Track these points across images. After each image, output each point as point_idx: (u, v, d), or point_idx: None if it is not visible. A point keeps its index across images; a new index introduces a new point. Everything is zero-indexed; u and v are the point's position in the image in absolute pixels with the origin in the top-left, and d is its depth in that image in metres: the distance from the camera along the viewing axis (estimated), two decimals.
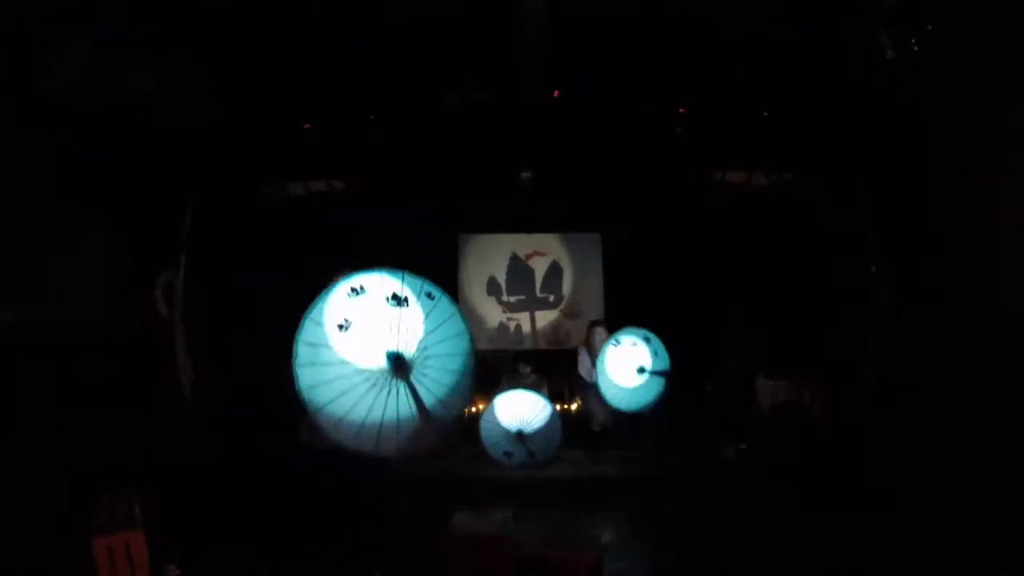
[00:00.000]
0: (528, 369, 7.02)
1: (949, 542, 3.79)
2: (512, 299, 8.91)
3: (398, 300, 3.25)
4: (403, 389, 3.24)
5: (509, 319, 8.87)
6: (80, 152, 4.76)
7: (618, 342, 6.16)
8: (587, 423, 7.16)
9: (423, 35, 5.15)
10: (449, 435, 3.49)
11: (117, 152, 5.02)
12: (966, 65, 4.48)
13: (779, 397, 6.31)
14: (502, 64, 5.58)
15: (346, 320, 3.20)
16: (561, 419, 6.29)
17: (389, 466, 5.81)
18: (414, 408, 3.28)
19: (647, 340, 6.18)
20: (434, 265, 3.41)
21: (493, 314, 8.86)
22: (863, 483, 4.69)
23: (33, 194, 4.43)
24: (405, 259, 3.55)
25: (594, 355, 6.63)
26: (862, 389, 5.91)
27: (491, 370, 7.41)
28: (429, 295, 3.32)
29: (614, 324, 6.79)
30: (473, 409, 7.34)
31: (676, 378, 6.20)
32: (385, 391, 3.21)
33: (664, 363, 6.19)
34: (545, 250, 8.97)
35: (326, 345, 3.21)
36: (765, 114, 6.34)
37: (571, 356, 7.30)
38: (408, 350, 3.25)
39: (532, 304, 8.91)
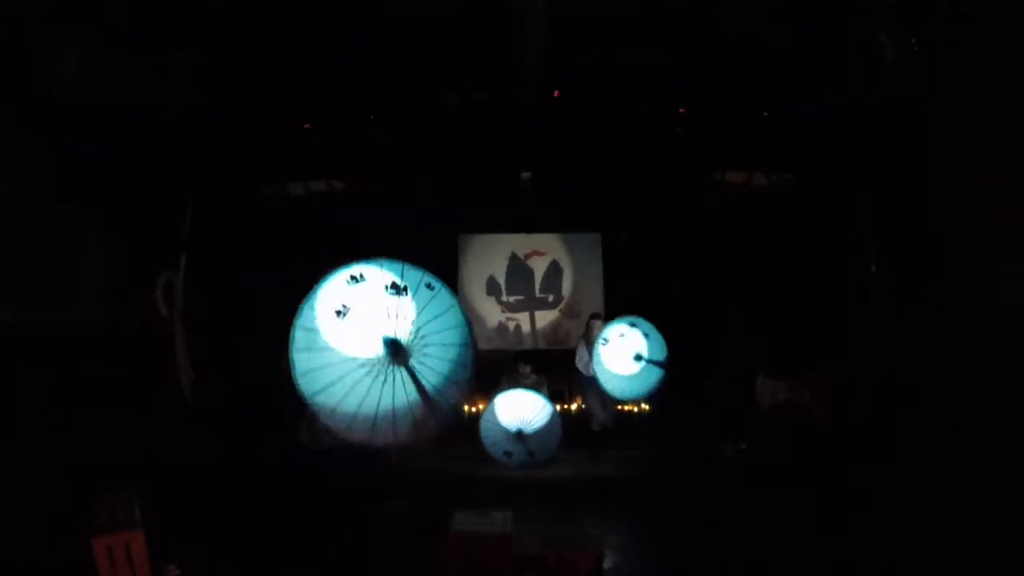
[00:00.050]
0: (528, 369, 7.02)
1: (949, 542, 3.79)
2: (512, 299, 8.91)
3: (397, 289, 3.27)
4: (399, 376, 3.24)
5: (509, 319, 8.87)
6: (80, 152, 4.76)
7: (606, 341, 6.15)
8: (587, 423, 7.16)
9: (423, 35, 5.15)
10: (445, 426, 3.47)
11: (117, 152, 5.02)
12: (966, 65, 4.48)
13: (779, 397, 6.30)
14: (502, 64, 5.58)
15: (344, 306, 3.22)
16: (561, 419, 6.29)
17: (389, 465, 5.84)
18: (411, 396, 3.28)
19: (633, 325, 6.18)
20: (434, 265, 3.40)
21: (493, 314, 8.86)
22: (863, 483, 4.69)
23: (33, 194, 4.44)
24: (405, 259, 3.55)
25: (592, 348, 6.63)
26: (862, 389, 5.91)
27: (491, 370, 7.42)
28: (429, 286, 3.33)
29: None
30: (473, 409, 7.35)
31: (675, 373, 6.19)
32: (381, 379, 3.22)
33: (658, 345, 6.16)
34: (545, 250, 8.97)
35: (322, 330, 3.22)
36: (765, 114, 6.34)
37: (571, 356, 7.30)
38: (403, 336, 3.26)
39: (532, 304, 8.91)
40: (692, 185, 7.96)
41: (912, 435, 4.88)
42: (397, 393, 3.25)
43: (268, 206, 7.59)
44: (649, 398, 6.42)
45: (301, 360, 3.15)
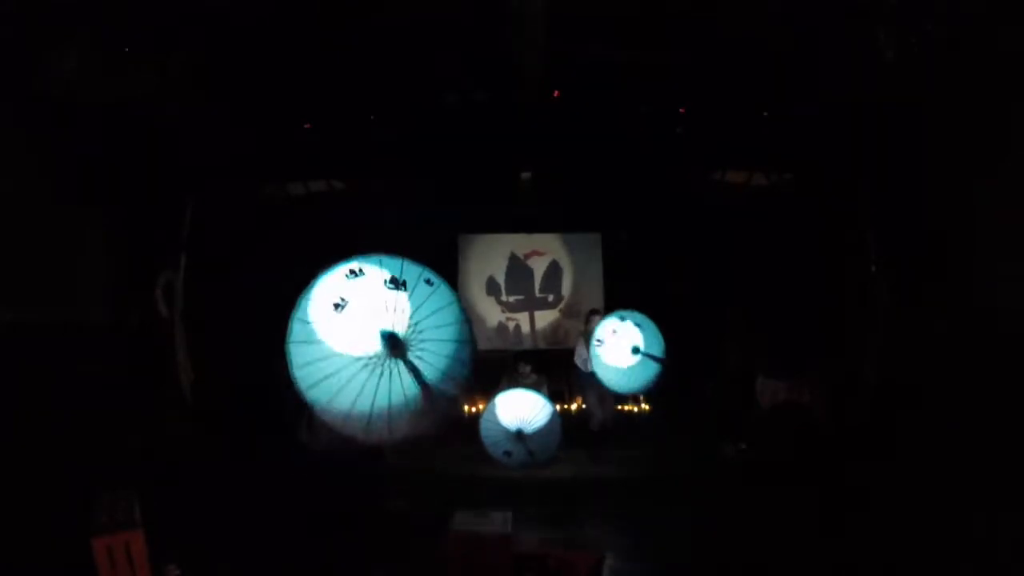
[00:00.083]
0: (528, 369, 7.03)
1: (949, 542, 3.79)
2: (511, 299, 8.91)
3: (396, 284, 3.27)
4: (396, 371, 3.23)
5: (508, 319, 8.87)
6: (80, 152, 4.76)
7: (601, 342, 6.15)
8: (587, 423, 7.16)
9: (423, 35, 5.15)
10: (442, 423, 3.46)
11: (117, 152, 5.02)
12: (966, 65, 4.48)
13: (779, 397, 6.30)
14: (502, 64, 5.58)
15: (342, 299, 3.21)
16: (561, 419, 6.29)
17: (388, 465, 5.84)
18: (408, 392, 3.26)
19: (622, 319, 6.19)
20: (434, 265, 3.40)
21: (492, 314, 8.87)
22: (863, 483, 4.69)
23: (33, 194, 4.44)
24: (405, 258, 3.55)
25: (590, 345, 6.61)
26: (862, 389, 5.91)
27: (491, 370, 7.42)
28: (428, 282, 3.33)
29: None
30: (473, 409, 7.36)
31: (675, 373, 6.18)
32: (377, 372, 3.21)
33: (652, 334, 6.15)
34: (544, 250, 8.97)
35: (320, 324, 3.22)
36: (765, 114, 6.34)
37: (571, 356, 7.30)
38: (401, 331, 3.26)
39: (531, 304, 8.91)
40: (692, 185, 7.96)
41: (912, 435, 4.88)
42: (394, 388, 3.24)
43: (268, 206, 7.58)
44: (648, 392, 6.40)
45: (298, 353, 3.15)
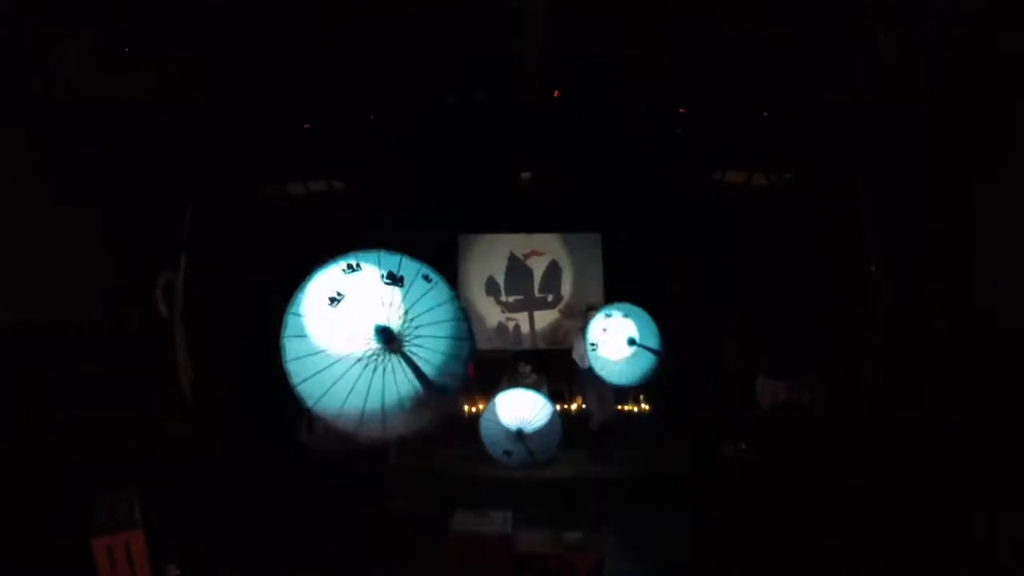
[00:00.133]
0: (528, 369, 7.03)
1: (949, 542, 3.79)
2: (511, 299, 8.91)
3: (393, 279, 3.27)
4: (391, 367, 3.22)
5: (508, 319, 8.87)
6: (80, 152, 4.76)
7: (595, 345, 6.15)
8: (587, 423, 7.16)
9: (423, 35, 5.15)
10: (437, 420, 3.45)
11: (117, 152, 5.02)
12: (966, 65, 4.48)
13: (779, 397, 6.30)
14: (502, 64, 5.58)
15: (339, 293, 3.21)
16: (561, 419, 6.29)
17: (388, 465, 5.84)
18: (402, 389, 3.24)
19: (608, 316, 6.20)
20: (434, 265, 3.40)
21: (492, 314, 8.86)
22: (863, 483, 4.69)
23: (33, 194, 4.44)
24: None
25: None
26: (862, 389, 5.91)
27: (491, 370, 7.42)
28: (426, 278, 3.33)
29: None
30: (473, 408, 7.36)
31: (674, 371, 6.18)
32: (370, 369, 3.20)
33: (643, 322, 6.15)
34: (543, 250, 8.96)
35: (315, 318, 3.21)
36: (765, 114, 6.34)
37: (571, 356, 7.30)
38: (396, 326, 3.25)
39: (531, 304, 8.91)
40: (692, 185, 7.96)
41: (912, 435, 4.88)
42: (387, 385, 3.22)
43: (268, 206, 7.58)
44: (648, 383, 6.38)
45: (291, 347, 3.14)
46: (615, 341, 6.15)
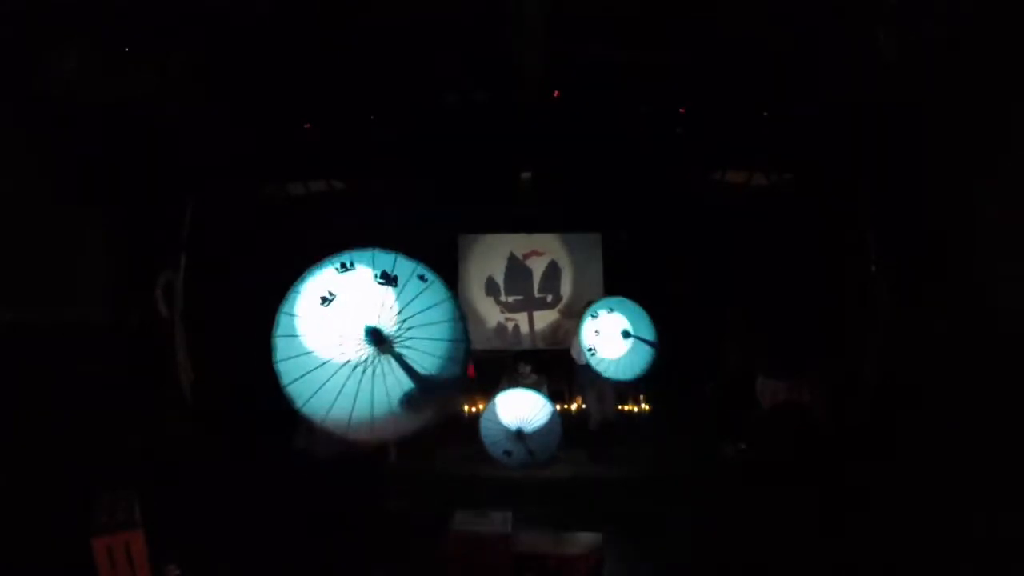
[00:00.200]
0: (528, 369, 7.03)
1: (949, 542, 3.79)
2: (510, 299, 8.90)
3: (387, 279, 3.22)
4: (381, 370, 3.17)
5: (507, 319, 8.87)
6: (80, 152, 4.76)
7: (593, 351, 6.15)
8: (586, 423, 7.16)
9: (423, 35, 5.15)
10: (429, 424, 3.41)
11: (117, 152, 5.02)
12: (966, 65, 4.48)
13: (779, 397, 6.29)
14: (502, 64, 5.58)
15: (330, 293, 3.18)
16: (561, 419, 6.29)
17: (388, 465, 5.84)
18: (392, 393, 3.19)
19: (595, 316, 6.20)
20: (434, 265, 3.38)
21: (492, 314, 8.86)
22: (863, 483, 4.69)
23: (33, 194, 4.44)
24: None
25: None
26: (862, 389, 5.91)
27: (491, 370, 7.42)
28: (422, 277, 3.27)
29: None
30: (473, 408, 7.36)
31: (674, 371, 6.19)
32: (360, 371, 3.15)
33: (632, 312, 6.15)
34: (543, 250, 8.96)
35: (306, 319, 3.18)
36: (765, 114, 6.34)
37: (571, 356, 7.29)
38: (388, 327, 3.20)
39: (530, 304, 8.91)
40: (692, 185, 7.96)
41: (912, 435, 4.88)
42: (377, 388, 3.17)
43: (268, 206, 7.58)
44: (650, 372, 6.39)
45: (282, 346, 3.12)
46: (610, 339, 6.16)
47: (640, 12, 4.91)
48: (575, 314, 8.55)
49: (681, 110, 6.66)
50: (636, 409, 7.90)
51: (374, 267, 3.24)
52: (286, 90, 5.71)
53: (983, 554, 3.63)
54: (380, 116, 6.58)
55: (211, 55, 4.87)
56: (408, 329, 3.24)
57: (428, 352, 3.28)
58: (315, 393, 3.12)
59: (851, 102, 5.39)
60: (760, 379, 6.51)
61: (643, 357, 6.19)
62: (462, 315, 3.41)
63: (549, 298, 8.91)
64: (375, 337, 3.16)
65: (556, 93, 6.35)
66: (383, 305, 3.21)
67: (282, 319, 3.14)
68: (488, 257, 8.93)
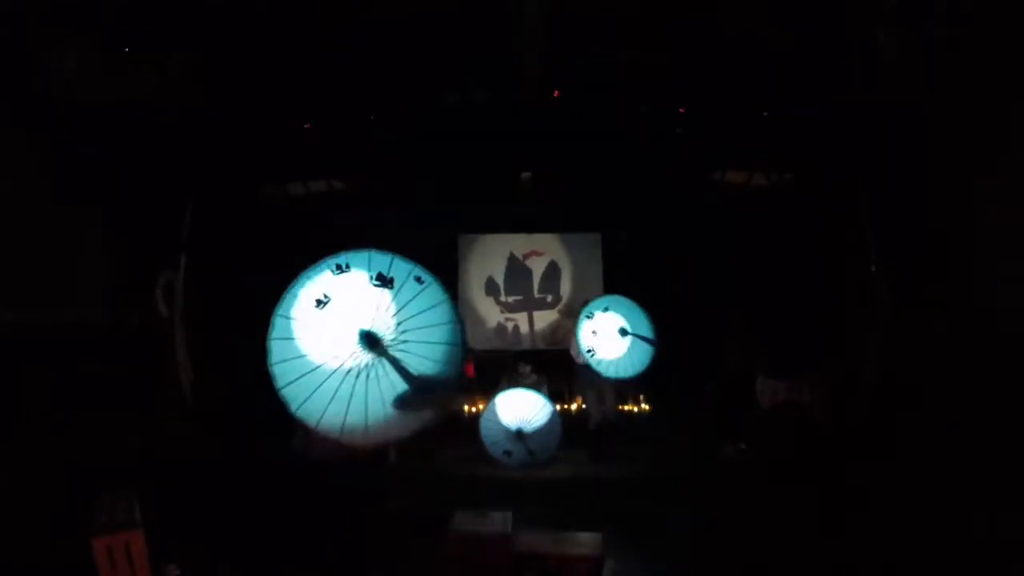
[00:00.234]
0: (528, 369, 7.03)
1: (949, 542, 3.79)
2: (510, 299, 8.91)
3: (383, 281, 3.20)
4: (375, 375, 3.15)
5: (507, 319, 8.87)
6: (80, 152, 4.76)
7: (592, 351, 6.15)
8: (586, 423, 7.16)
9: (423, 35, 5.15)
10: (421, 429, 3.39)
11: (117, 152, 5.02)
12: (966, 65, 4.48)
13: (779, 397, 6.29)
14: (502, 64, 5.58)
15: (325, 295, 3.16)
16: (561, 419, 6.29)
17: (389, 465, 5.83)
18: (387, 397, 3.17)
19: (590, 317, 6.20)
20: (434, 265, 3.37)
21: (492, 314, 8.86)
22: (863, 483, 4.69)
23: (33, 194, 4.44)
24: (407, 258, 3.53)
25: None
26: (862, 389, 5.91)
27: (491, 370, 7.42)
28: (418, 279, 3.24)
29: None
30: (473, 409, 7.36)
31: (674, 371, 6.18)
32: (353, 375, 3.13)
33: (628, 310, 6.15)
34: (543, 250, 8.96)
35: (301, 322, 3.17)
36: (765, 114, 6.34)
37: (571, 356, 7.29)
38: (383, 330, 3.17)
39: (530, 304, 8.91)
40: (692, 185, 7.96)
41: (912, 435, 4.88)
42: (371, 393, 3.15)
43: (268, 206, 7.58)
44: (648, 374, 6.39)
45: (277, 349, 3.11)
46: (608, 339, 6.16)
47: (640, 12, 4.91)
48: (575, 314, 8.56)
49: (681, 110, 6.66)
50: (636, 409, 7.90)
51: (370, 269, 3.22)
52: (286, 90, 5.71)
53: (983, 554, 3.63)
54: (380, 116, 6.58)
55: (211, 55, 4.87)
56: (404, 332, 3.21)
57: (424, 356, 3.25)
58: (309, 397, 3.11)
59: (851, 102, 5.39)
60: (760, 379, 6.51)
61: (643, 354, 6.20)
62: (459, 317, 3.38)
63: (549, 298, 8.91)
64: (369, 341, 3.14)
65: (556, 93, 6.35)
66: (378, 308, 3.19)
67: (277, 322, 3.13)
68: (488, 257, 8.93)
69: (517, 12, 4.69)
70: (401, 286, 3.22)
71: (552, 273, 8.94)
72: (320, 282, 3.20)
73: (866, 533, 4.15)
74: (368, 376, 3.16)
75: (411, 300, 3.23)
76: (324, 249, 3.28)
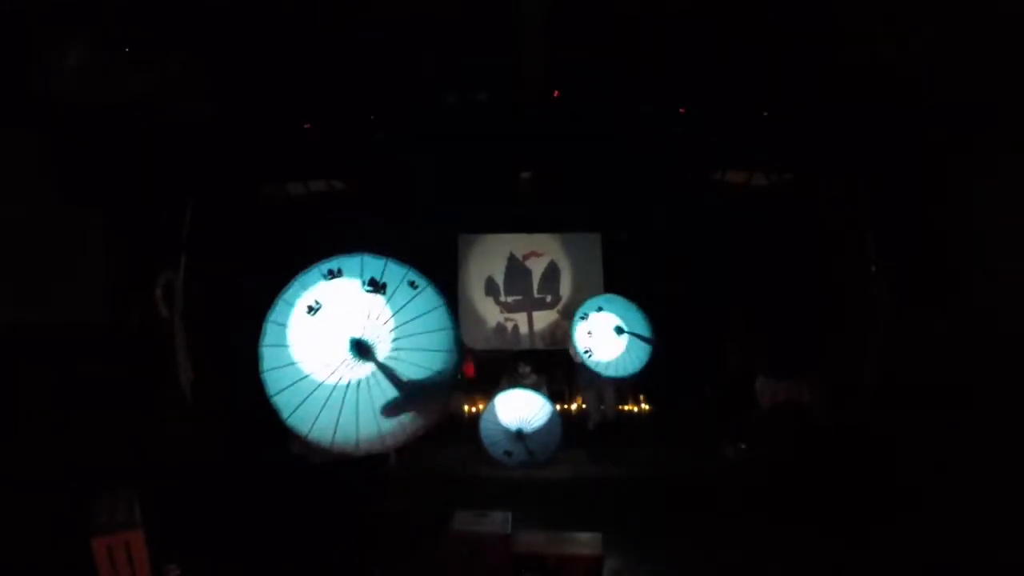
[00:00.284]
0: (528, 369, 7.02)
1: (949, 542, 3.79)
2: (510, 299, 8.90)
3: (375, 286, 3.16)
4: (367, 384, 3.13)
5: (507, 319, 8.87)
6: (80, 152, 4.76)
7: (590, 352, 6.15)
8: (586, 423, 7.17)
9: (423, 35, 5.15)
10: (413, 434, 3.37)
11: (117, 152, 5.02)
12: (966, 65, 4.48)
13: (779, 397, 6.30)
14: (502, 64, 5.58)
15: (316, 302, 3.12)
16: (561, 419, 6.29)
17: (388, 468, 5.83)
18: (378, 407, 3.15)
19: (584, 318, 6.20)
20: (434, 265, 3.35)
21: (491, 314, 8.86)
22: (862, 483, 4.69)
23: (33, 194, 4.44)
24: (405, 259, 3.53)
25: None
26: (862, 389, 5.91)
27: (491, 370, 7.42)
28: (412, 284, 3.21)
29: None
30: (473, 409, 7.36)
31: (674, 371, 6.18)
32: (344, 384, 3.11)
33: (622, 308, 6.15)
34: (542, 251, 8.96)
35: (292, 327, 3.15)
36: (765, 114, 6.34)
37: (570, 356, 7.29)
38: (374, 338, 3.14)
39: (529, 304, 8.90)
40: (692, 185, 7.96)
41: (912, 435, 4.88)
42: (362, 400, 3.13)
43: (268, 206, 7.58)
44: (646, 372, 6.39)
45: (269, 356, 3.09)
46: (604, 338, 6.17)
47: (640, 12, 4.91)
48: (573, 314, 8.58)
49: (681, 110, 6.66)
50: (636, 409, 7.90)
51: (362, 273, 3.17)
52: (286, 90, 5.71)
53: (983, 553, 3.63)
54: (380, 116, 6.57)
55: (211, 55, 4.87)
56: (396, 340, 3.17)
57: (417, 363, 3.21)
58: (300, 405, 3.09)
59: (851, 102, 5.39)
60: (760, 379, 6.51)
61: (640, 352, 6.19)
62: (455, 323, 3.32)
63: (548, 298, 8.91)
64: (360, 349, 3.12)
65: (556, 93, 6.35)
66: (369, 316, 3.15)
67: (269, 328, 3.10)
68: (488, 257, 8.93)
69: (517, 12, 4.70)
70: (394, 291, 3.18)
71: (551, 274, 8.93)
72: (312, 288, 3.17)
73: (866, 533, 4.16)
74: (360, 385, 3.13)
75: (405, 305, 3.20)
76: (324, 249, 3.27)
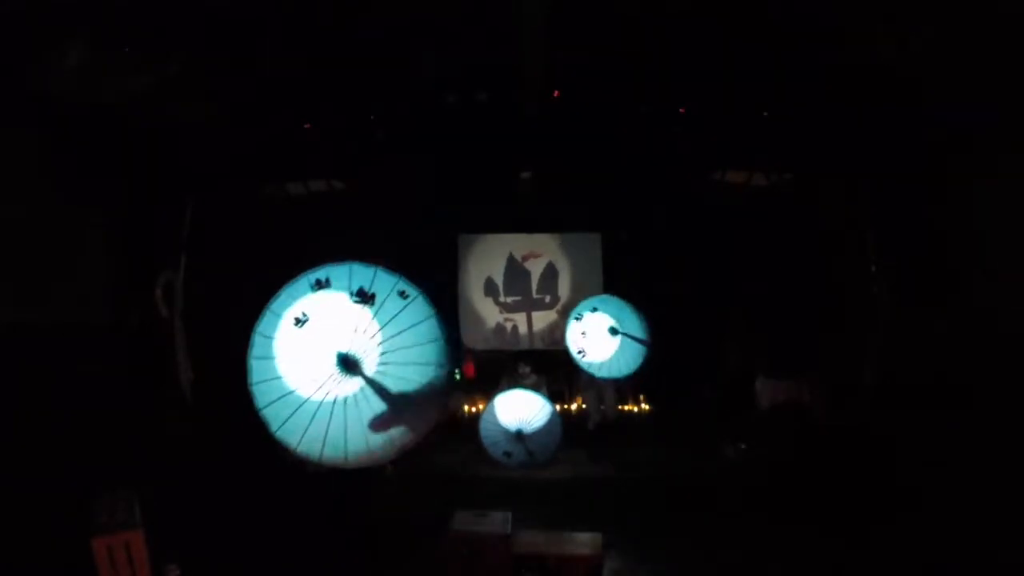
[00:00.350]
0: (528, 369, 7.03)
1: (948, 541, 3.79)
2: (509, 300, 8.90)
3: (364, 297, 3.10)
4: (354, 400, 3.08)
5: (506, 320, 8.87)
6: (80, 152, 4.75)
7: (583, 352, 6.15)
8: (586, 423, 7.17)
9: (423, 35, 5.15)
10: (402, 448, 3.32)
11: (117, 152, 5.02)
12: (966, 65, 4.48)
13: (779, 397, 6.30)
14: (502, 64, 5.58)
15: (303, 314, 3.08)
16: (561, 419, 6.29)
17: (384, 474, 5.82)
18: (366, 421, 3.10)
19: (579, 319, 6.20)
20: (434, 265, 3.33)
21: (491, 315, 8.86)
22: (863, 483, 4.69)
23: (33, 194, 4.44)
24: (405, 259, 3.53)
25: None
26: (862, 389, 5.91)
27: (491, 370, 7.42)
28: (402, 294, 3.14)
29: None
30: (473, 409, 7.36)
31: (674, 371, 6.18)
32: (331, 399, 3.07)
33: (620, 310, 6.15)
34: (541, 252, 8.95)
35: (279, 339, 3.12)
36: (765, 114, 6.34)
37: (570, 357, 7.29)
38: (361, 352, 3.08)
39: (529, 305, 8.90)
40: (692, 185, 7.96)
41: (912, 435, 4.88)
42: (350, 414, 3.09)
43: (268, 206, 7.58)
44: (641, 373, 6.39)
45: (257, 368, 3.06)
46: (598, 339, 6.16)
47: (640, 12, 4.90)
48: None
49: (681, 110, 6.66)
50: (636, 409, 7.90)
51: (351, 283, 3.10)
52: (286, 90, 5.71)
53: (982, 553, 3.63)
54: (380, 116, 6.58)
55: (211, 55, 4.87)
56: (384, 354, 3.11)
57: (406, 377, 3.15)
58: (289, 418, 3.05)
59: (851, 102, 5.38)
60: (760, 379, 6.52)
61: (634, 353, 6.18)
62: (447, 335, 3.26)
63: (547, 299, 8.91)
64: (347, 364, 3.07)
65: (556, 93, 6.34)
66: (356, 329, 3.08)
67: (257, 340, 3.06)
68: (488, 257, 8.93)
69: (517, 12, 4.69)
70: (383, 301, 3.12)
71: (550, 274, 8.93)
72: (299, 299, 3.12)
73: (866, 533, 4.16)
74: (347, 401, 3.09)
75: (394, 316, 3.13)
76: (323, 249, 3.27)
